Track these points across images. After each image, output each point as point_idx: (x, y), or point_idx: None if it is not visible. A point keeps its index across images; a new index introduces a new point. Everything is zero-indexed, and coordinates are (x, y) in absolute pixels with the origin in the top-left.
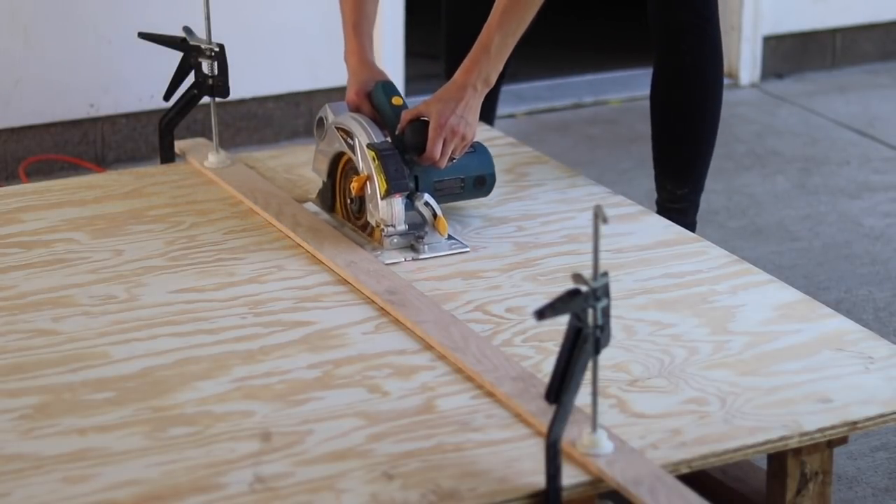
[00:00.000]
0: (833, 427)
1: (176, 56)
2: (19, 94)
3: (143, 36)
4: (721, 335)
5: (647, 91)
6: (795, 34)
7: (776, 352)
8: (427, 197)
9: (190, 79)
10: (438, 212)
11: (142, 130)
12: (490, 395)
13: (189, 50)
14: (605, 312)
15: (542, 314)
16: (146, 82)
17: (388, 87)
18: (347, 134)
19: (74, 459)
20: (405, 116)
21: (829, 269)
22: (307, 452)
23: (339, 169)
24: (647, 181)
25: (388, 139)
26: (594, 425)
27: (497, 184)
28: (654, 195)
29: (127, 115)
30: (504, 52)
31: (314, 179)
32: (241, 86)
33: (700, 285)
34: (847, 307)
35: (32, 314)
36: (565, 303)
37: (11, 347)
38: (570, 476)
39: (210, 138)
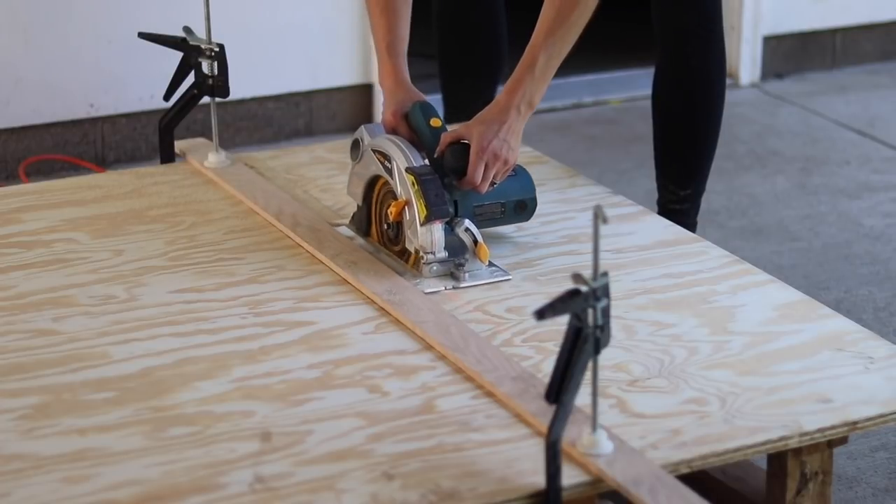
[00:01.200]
0: (833, 427)
1: (176, 56)
2: (19, 94)
3: (143, 36)
4: (721, 335)
5: (647, 91)
6: (795, 34)
7: (776, 352)
8: (467, 223)
9: (190, 79)
10: (479, 238)
11: (142, 130)
12: (490, 395)
13: (189, 50)
14: (605, 312)
15: (542, 314)
16: (146, 82)
17: (426, 108)
18: (384, 157)
19: (74, 459)
20: (445, 139)
21: (829, 269)
22: (307, 452)
23: (376, 193)
24: (647, 181)
25: (427, 162)
26: (594, 425)
27: None
28: (654, 195)
29: (127, 115)
30: (549, 72)
31: (314, 179)
32: (241, 86)
33: (700, 285)
34: (847, 307)
35: (32, 314)
36: (565, 303)
37: (11, 347)
38: (570, 476)
39: (210, 138)
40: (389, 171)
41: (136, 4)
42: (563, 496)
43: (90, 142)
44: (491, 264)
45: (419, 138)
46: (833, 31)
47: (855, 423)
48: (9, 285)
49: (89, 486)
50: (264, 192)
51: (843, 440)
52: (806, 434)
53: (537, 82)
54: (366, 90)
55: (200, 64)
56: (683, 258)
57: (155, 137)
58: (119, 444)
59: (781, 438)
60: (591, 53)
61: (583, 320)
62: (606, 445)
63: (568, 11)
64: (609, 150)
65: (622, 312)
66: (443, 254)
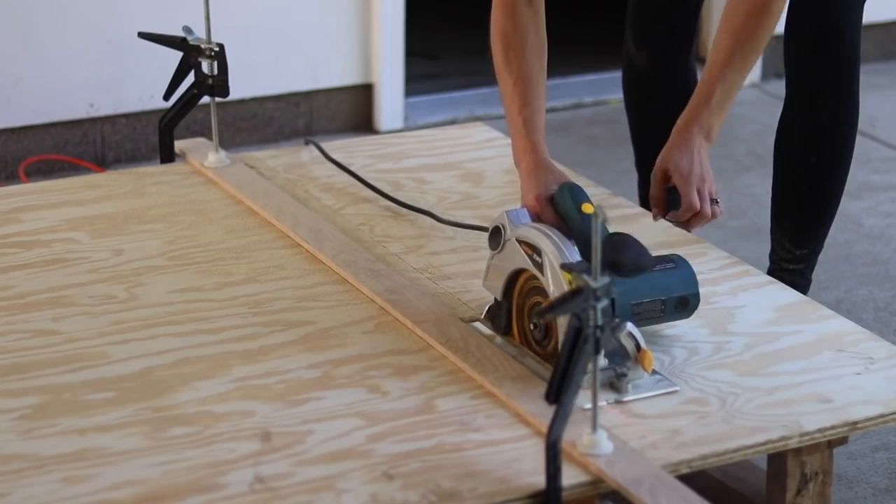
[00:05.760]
0: (833, 427)
1: (176, 56)
2: (19, 94)
3: (143, 36)
4: (721, 336)
5: None
6: None
7: (776, 352)
8: (630, 326)
9: (190, 79)
10: (642, 343)
11: (142, 130)
12: (490, 395)
13: (189, 50)
14: (606, 312)
15: (542, 314)
16: (146, 82)
17: (576, 192)
18: (533, 249)
19: (74, 459)
20: (657, 176)
21: (829, 269)
22: (307, 452)
23: (518, 288)
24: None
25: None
26: (594, 425)
27: (498, 184)
28: None
29: (127, 115)
30: (726, 104)
31: (315, 179)
32: (241, 86)
33: (700, 286)
34: (847, 307)
35: (32, 314)
36: (566, 303)
37: (11, 347)
38: (571, 476)
39: (210, 138)
40: (539, 266)
41: (136, 4)
42: (563, 496)
43: (90, 142)
44: (654, 372)
45: (568, 226)
46: None
47: (855, 423)
48: (9, 285)
49: (89, 486)
50: (264, 192)
51: (843, 440)
52: (806, 434)
53: (714, 115)
54: (366, 90)
55: (200, 64)
56: None
57: (155, 137)
58: (119, 444)
59: (782, 438)
60: (591, 53)
61: (583, 320)
62: (606, 445)
63: (746, 39)
64: (609, 150)
65: None
66: (602, 361)
